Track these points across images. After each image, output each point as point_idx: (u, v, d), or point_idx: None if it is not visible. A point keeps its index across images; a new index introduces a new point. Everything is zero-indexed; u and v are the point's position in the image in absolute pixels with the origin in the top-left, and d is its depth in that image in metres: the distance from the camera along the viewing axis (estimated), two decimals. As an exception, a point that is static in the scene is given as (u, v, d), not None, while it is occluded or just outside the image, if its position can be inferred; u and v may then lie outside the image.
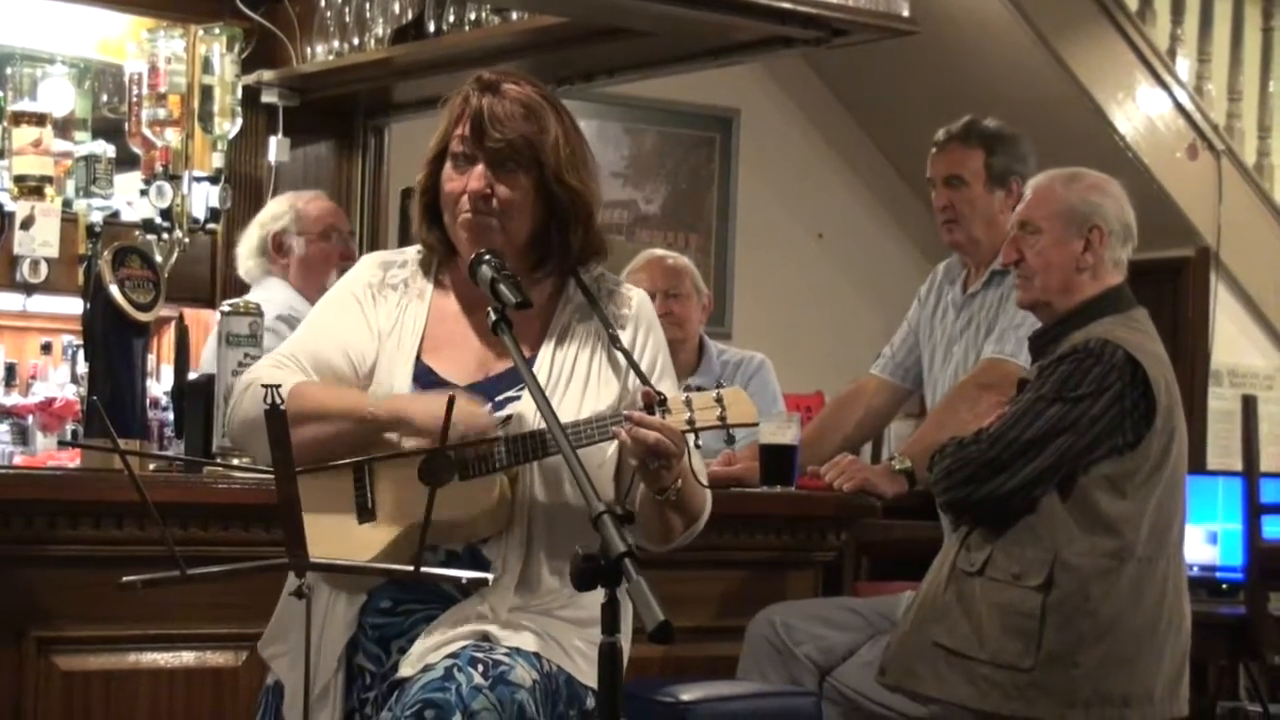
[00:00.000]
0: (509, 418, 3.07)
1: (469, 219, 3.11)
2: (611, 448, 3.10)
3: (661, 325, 5.29)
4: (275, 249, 5.17)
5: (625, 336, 3.18)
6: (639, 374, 3.12)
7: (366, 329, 3.18)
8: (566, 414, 3.03)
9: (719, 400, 3.04)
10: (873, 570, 5.92)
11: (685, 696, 3.91)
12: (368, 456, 3.00)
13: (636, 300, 3.25)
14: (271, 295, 5.13)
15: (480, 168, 3.10)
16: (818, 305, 8.35)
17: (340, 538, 3.01)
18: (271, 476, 2.72)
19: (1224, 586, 6.27)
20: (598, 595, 2.57)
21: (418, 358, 3.15)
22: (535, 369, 3.10)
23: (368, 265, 3.28)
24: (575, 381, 3.14)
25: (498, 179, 3.10)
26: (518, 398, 3.09)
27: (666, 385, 3.17)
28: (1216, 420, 7.70)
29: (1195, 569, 5.69)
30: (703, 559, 4.39)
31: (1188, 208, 7.74)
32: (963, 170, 4.73)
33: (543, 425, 3.00)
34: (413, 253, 3.28)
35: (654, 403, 3.00)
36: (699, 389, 3.09)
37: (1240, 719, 6.55)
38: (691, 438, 3.03)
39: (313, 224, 5.21)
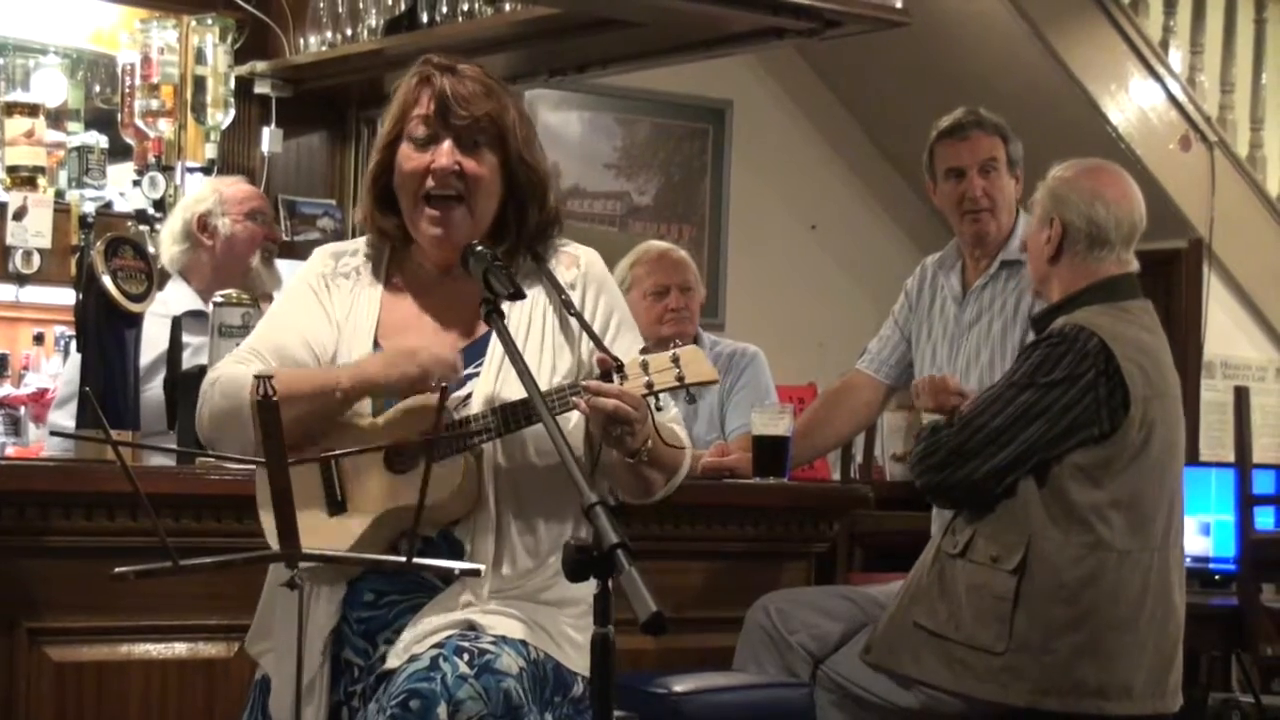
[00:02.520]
0: (468, 396, 3.08)
1: (434, 206, 3.11)
2: (575, 419, 3.08)
3: (675, 320, 5.36)
4: (200, 229, 5.12)
5: (576, 298, 3.17)
6: (593, 338, 3.12)
7: (325, 319, 3.19)
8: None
9: (675, 360, 3.02)
10: (866, 561, 5.92)
11: (678, 688, 3.91)
12: (357, 449, 2.99)
13: (585, 260, 3.24)
14: (171, 296, 5.09)
15: (447, 144, 3.11)
16: (811, 297, 8.35)
17: (312, 531, 3.00)
18: (263, 467, 2.72)
19: (1216, 577, 6.28)
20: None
21: (375, 345, 3.16)
22: (491, 341, 3.10)
23: (320, 257, 3.29)
24: (530, 348, 3.12)
25: (465, 156, 3.11)
26: (476, 374, 3.10)
27: (626, 341, 3.17)
28: (1209, 412, 7.72)
29: (1188, 560, 5.69)
30: (695, 550, 4.40)
31: (1180, 199, 7.74)
32: (997, 155, 4.72)
33: (505, 400, 3.02)
34: (362, 242, 3.29)
35: (611, 369, 3.00)
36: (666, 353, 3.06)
37: (1232, 710, 6.55)
38: (652, 401, 3.02)
39: (237, 205, 5.17)
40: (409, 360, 3.03)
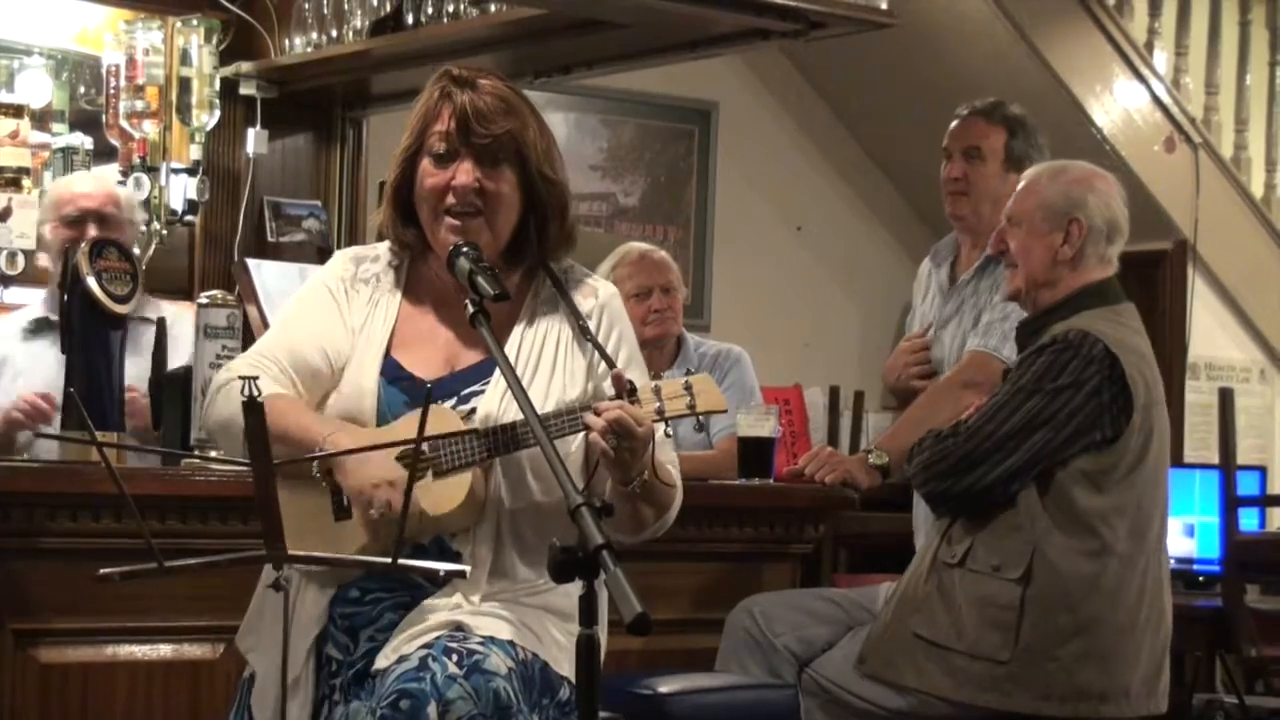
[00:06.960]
0: (472, 411, 3.09)
1: (454, 217, 3.11)
2: (577, 441, 3.10)
3: (659, 321, 5.36)
4: None
5: (591, 326, 3.18)
6: (607, 360, 3.12)
7: (341, 325, 3.18)
8: (534, 403, 3.03)
9: (688, 388, 3.05)
10: (850, 562, 5.93)
11: (663, 688, 3.91)
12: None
13: (604, 293, 3.25)
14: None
15: (468, 163, 3.11)
16: (796, 298, 8.35)
17: (316, 535, 3.02)
18: (248, 469, 2.72)
19: (1201, 579, 6.29)
20: (574, 585, 2.57)
21: (387, 353, 3.16)
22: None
23: (340, 260, 3.28)
24: (542, 370, 3.14)
25: (484, 174, 3.11)
26: (482, 391, 3.11)
27: (634, 376, 3.17)
28: (1193, 413, 7.73)
29: (1172, 561, 5.70)
30: (681, 551, 4.40)
31: (1165, 201, 7.75)
32: (983, 144, 4.71)
33: (512, 419, 3.02)
34: (384, 248, 3.27)
35: (624, 389, 3.01)
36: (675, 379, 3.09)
37: (1216, 710, 6.57)
38: (661, 426, 3.04)
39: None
40: (362, 482, 3.00)
